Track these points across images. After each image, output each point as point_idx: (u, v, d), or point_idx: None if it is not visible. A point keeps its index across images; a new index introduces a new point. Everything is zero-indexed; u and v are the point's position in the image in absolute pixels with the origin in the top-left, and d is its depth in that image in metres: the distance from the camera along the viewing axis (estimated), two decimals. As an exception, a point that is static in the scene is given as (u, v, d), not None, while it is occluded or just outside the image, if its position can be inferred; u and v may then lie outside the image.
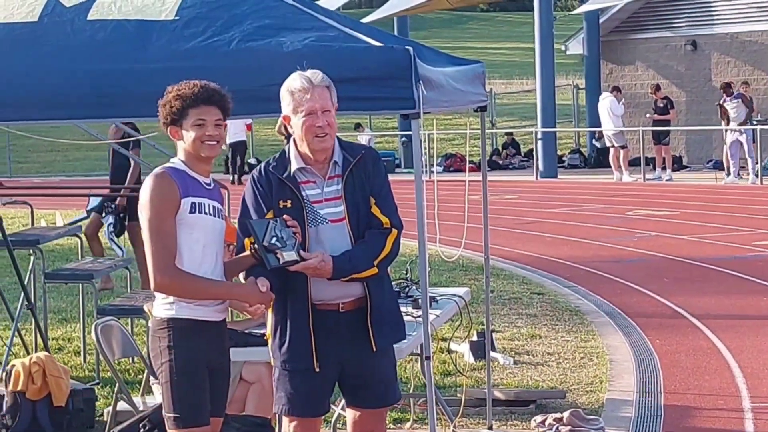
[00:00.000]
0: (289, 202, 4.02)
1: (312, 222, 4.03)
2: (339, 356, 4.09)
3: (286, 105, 3.96)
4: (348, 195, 4.04)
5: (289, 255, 3.92)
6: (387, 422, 5.36)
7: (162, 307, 3.94)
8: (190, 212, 3.83)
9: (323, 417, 4.41)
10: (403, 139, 23.75)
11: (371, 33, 4.82)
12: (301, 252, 3.94)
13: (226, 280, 4.10)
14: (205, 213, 3.88)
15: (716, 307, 9.85)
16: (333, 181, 4.05)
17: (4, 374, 6.49)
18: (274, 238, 3.96)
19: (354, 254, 4.04)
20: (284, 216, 3.94)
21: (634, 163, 21.29)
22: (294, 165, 4.00)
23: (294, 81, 3.93)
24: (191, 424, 3.91)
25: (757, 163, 19.59)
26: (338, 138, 4.13)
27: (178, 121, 3.82)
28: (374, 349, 4.03)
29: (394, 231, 4.08)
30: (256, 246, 3.98)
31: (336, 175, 4.06)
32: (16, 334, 7.89)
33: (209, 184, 3.92)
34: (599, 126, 22.10)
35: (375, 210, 4.11)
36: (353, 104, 4.45)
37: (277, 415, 4.62)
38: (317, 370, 4.05)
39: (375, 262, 4.04)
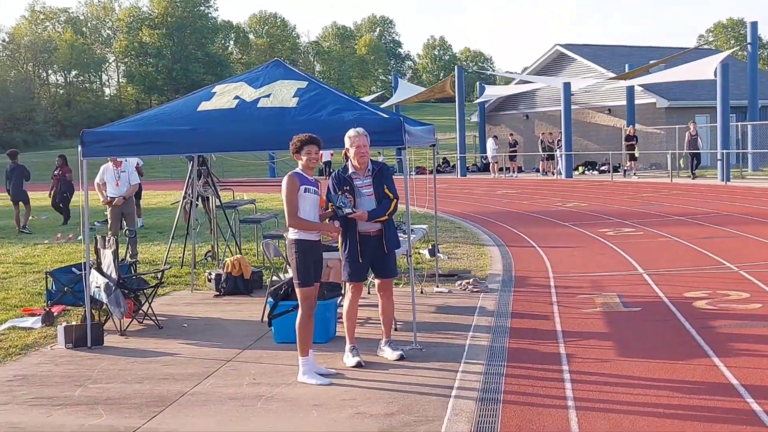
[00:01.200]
0: (347, 187, 6.99)
1: (358, 195, 6.97)
2: (370, 255, 7.04)
3: (347, 143, 7.06)
4: (374, 183, 7.05)
5: (347, 210, 6.84)
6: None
7: (292, 234, 6.60)
8: (304, 192, 6.60)
9: (364, 283, 7.62)
10: (398, 158, 41.91)
11: (383, 111, 8.34)
12: (354, 208, 6.90)
13: (320, 222, 6.80)
14: (310, 192, 6.65)
15: (538, 232, 16.42)
16: (368, 178, 7.08)
17: (223, 264, 11.32)
18: (341, 203, 6.84)
19: (377, 210, 6.96)
20: (346, 190, 6.93)
21: (501, 170, 39.57)
22: (350, 170, 7.11)
23: (350, 132, 7.07)
24: (306, 285, 6.62)
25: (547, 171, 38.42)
26: (371, 159, 7.22)
27: (299, 151, 6.73)
28: (386, 252, 7.08)
29: (395, 200, 7.07)
30: (332, 206, 6.90)
31: (369, 175, 7.09)
32: (228, 247, 13.09)
33: (312, 180, 6.74)
34: (485, 152, 41.84)
35: (386, 191, 7.09)
36: (378, 144, 7.78)
37: (343, 281, 7.66)
38: (360, 261, 7.01)
39: (386, 213, 7.04)
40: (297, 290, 6.75)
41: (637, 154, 34.19)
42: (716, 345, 7.44)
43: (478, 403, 6.02)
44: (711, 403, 5.88)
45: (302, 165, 6.79)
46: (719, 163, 29.05)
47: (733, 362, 6.88)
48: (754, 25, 32.78)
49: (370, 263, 7.21)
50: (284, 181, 6.72)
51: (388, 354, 7.28)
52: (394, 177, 7.67)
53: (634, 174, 33.94)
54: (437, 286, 10.71)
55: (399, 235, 8.68)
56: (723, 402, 5.89)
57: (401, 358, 7.21)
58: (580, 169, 38.25)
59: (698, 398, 5.99)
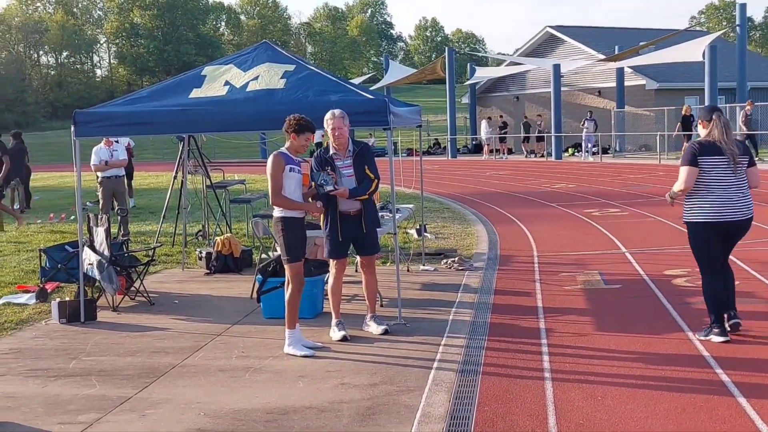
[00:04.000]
0: (329, 167, 7.18)
1: (339, 175, 7.16)
2: (350, 234, 7.26)
3: (325, 125, 7.21)
4: (355, 164, 7.23)
5: (329, 188, 7.02)
6: (377, 264, 10.04)
7: (278, 212, 6.80)
8: (289, 172, 6.78)
9: (346, 260, 7.62)
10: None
11: (371, 93, 8.56)
12: (336, 185, 7.04)
13: (304, 201, 6.96)
14: (294, 172, 6.83)
15: (525, 213, 16.69)
16: (348, 159, 7.24)
17: (213, 243, 11.52)
18: (322, 180, 7.01)
19: (358, 189, 7.17)
20: (327, 169, 7.09)
21: (492, 152, 39.59)
22: (331, 151, 7.28)
23: (327, 114, 7.18)
24: (295, 261, 6.83)
25: (530, 152, 39.46)
26: (351, 138, 7.35)
27: (299, 133, 6.82)
28: (364, 231, 7.30)
29: (376, 180, 7.27)
30: (315, 184, 7.03)
31: (349, 156, 7.24)
32: (219, 227, 13.27)
33: (297, 160, 6.94)
34: (475, 134, 43.44)
35: (367, 171, 7.26)
36: (363, 124, 8.14)
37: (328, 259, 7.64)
38: (340, 239, 7.27)
39: (367, 192, 7.23)
40: (286, 266, 6.93)
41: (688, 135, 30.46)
42: (691, 320, 7.67)
43: (458, 375, 6.25)
44: (682, 374, 6.12)
45: (292, 147, 6.92)
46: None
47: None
48: (743, 6, 32.96)
49: (352, 241, 7.40)
50: (270, 160, 6.86)
51: (373, 328, 7.51)
52: (383, 158, 7.78)
53: None
54: (423, 265, 10.94)
55: (383, 215, 8.90)
56: (694, 373, 6.13)
57: (386, 332, 7.44)
58: (570, 150, 38.44)
59: (670, 369, 6.22)
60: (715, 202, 6.81)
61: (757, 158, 28.46)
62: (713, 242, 6.92)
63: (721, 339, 6.89)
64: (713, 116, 6.94)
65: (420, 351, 6.94)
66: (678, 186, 6.95)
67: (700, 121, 7.08)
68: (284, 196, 6.83)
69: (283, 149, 6.95)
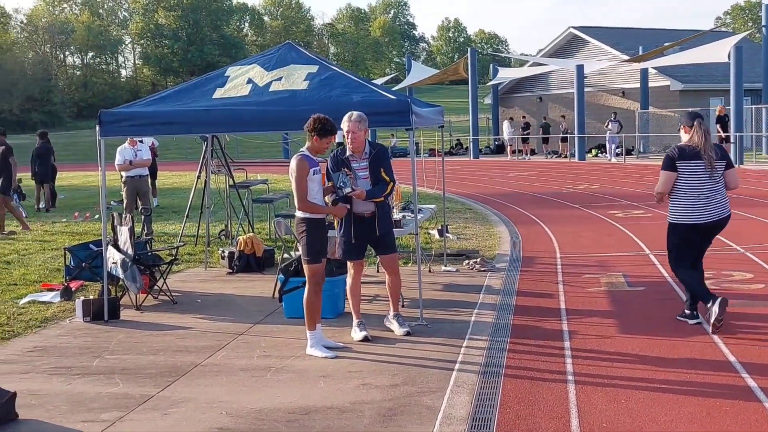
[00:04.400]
0: (346, 168, 7.11)
1: (356, 177, 7.12)
2: (363, 235, 7.22)
3: (343, 126, 7.15)
4: (371, 167, 7.20)
5: (347, 190, 6.99)
6: (400, 264, 10.00)
7: (300, 212, 6.74)
8: (312, 175, 6.71)
9: (364, 261, 7.59)
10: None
11: (393, 93, 8.62)
12: (353, 186, 7.01)
13: (326, 203, 6.96)
14: (317, 174, 6.76)
15: (548, 214, 16.54)
16: (365, 161, 7.22)
17: (236, 243, 11.54)
18: (341, 183, 7.01)
19: (375, 190, 7.14)
20: (345, 170, 7.02)
21: (514, 152, 39.84)
22: (348, 153, 7.27)
23: (345, 116, 7.14)
24: (315, 262, 6.82)
25: (549, 152, 39.34)
26: (369, 141, 7.27)
27: (324, 135, 6.76)
28: (377, 234, 7.24)
29: (392, 183, 7.26)
30: (333, 185, 7.02)
31: (365, 158, 7.23)
32: (241, 226, 13.31)
33: (317, 161, 6.86)
34: (498, 135, 44.16)
35: (383, 174, 7.22)
36: (385, 124, 8.23)
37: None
38: (353, 241, 7.26)
39: (383, 194, 7.19)
40: (305, 267, 6.92)
41: (726, 135, 29.05)
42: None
43: (480, 376, 6.22)
44: (707, 378, 6.06)
45: (314, 147, 6.86)
46: (732, 146, 29.02)
47: (732, 340, 7.05)
48: (770, 7, 32.62)
49: (367, 242, 7.40)
50: (294, 164, 6.79)
51: (396, 328, 7.48)
52: (404, 158, 7.78)
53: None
54: (445, 266, 10.91)
55: (405, 215, 8.92)
56: (719, 378, 6.06)
57: (408, 334, 7.41)
58: (593, 151, 38.22)
59: (695, 374, 6.16)
60: (696, 204, 7.36)
61: (753, 162, 28.58)
62: (692, 240, 7.52)
63: (695, 321, 7.61)
64: (695, 123, 7.40)
65: (441, 352, 6.91)
66: (657, 189, 7.50)
67: (682, 126, 7.57)
68: (311, 202, 6.81)
69: (304, 151, 6.88)
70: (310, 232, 6.85)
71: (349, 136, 7.15)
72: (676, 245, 7.60)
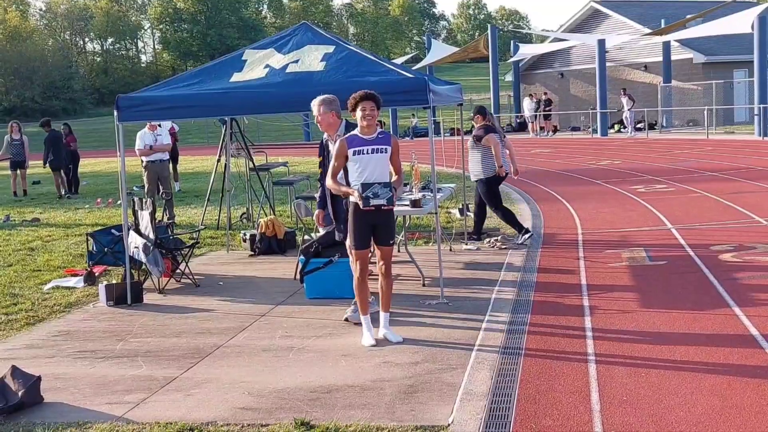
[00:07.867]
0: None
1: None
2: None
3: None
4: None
5: (377, 201, 6.52)
6: (420, 243, 10.01)
7: (351, 198, 6.83)
8: (353, 156, 6.51)
9: (369, 253, 6.95)
10: (432, 119, 37.99)
11: (409, 71, 8.49)
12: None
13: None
14: (364, 154, 6.51)
15: (569, 191, 16.46)
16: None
17: (257, 225, 11.60)
18: (372, 192, 6.53)
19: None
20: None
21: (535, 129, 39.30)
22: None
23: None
24: (360, 249, 6.61)
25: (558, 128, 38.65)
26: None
27: (355, 109, 6.56)
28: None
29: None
30: (359, 194, 6.55)
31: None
32: (262, 209, 13.37)
33: (370, 139, 6.51)
34: (519, 112, 42.81)
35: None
36: (403, 103, 8.15)
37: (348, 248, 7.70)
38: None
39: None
40: (351, 253, 6.74)
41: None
42: (738, 296, 7.55)
43: (501, 353, 6.23)
44: (729, 351, 6.03)
45: (359, 124, 6.70)
46: (756, 118, 28.69)
47: (755, 312, 7.01)
48: (794, -24, 32.11)
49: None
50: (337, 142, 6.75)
51: (391, 336, 6.80)
52: (425, 138, 7.71)
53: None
54: (466, 244, 10.90)
55: (425, 194, 8.91)
56: (741, 351, 6.03)
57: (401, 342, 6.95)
58: (616, 127, 37.95)
59: (718, 349, 6.13)
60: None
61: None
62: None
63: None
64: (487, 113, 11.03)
65: (463, 330, 6.93)
66: None
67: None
68: (332, 179, 6.74)
69: (355, 131, 6.76)
70: (355, 216, 6.65)
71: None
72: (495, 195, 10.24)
